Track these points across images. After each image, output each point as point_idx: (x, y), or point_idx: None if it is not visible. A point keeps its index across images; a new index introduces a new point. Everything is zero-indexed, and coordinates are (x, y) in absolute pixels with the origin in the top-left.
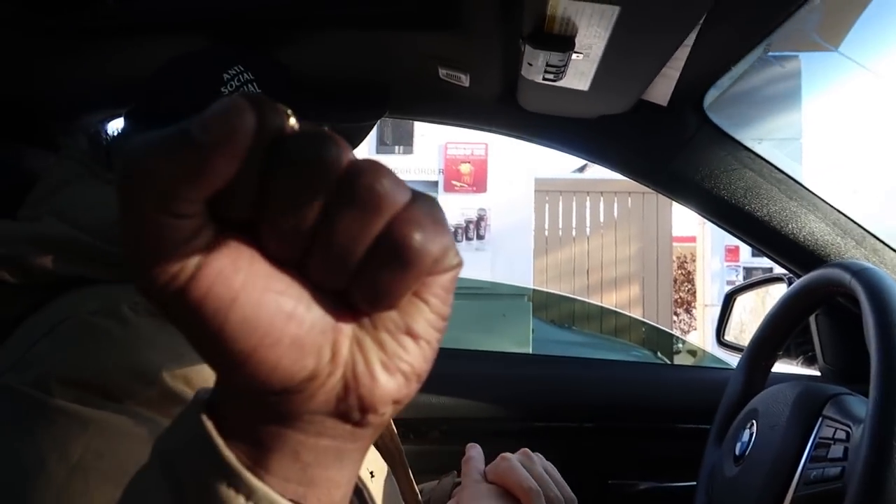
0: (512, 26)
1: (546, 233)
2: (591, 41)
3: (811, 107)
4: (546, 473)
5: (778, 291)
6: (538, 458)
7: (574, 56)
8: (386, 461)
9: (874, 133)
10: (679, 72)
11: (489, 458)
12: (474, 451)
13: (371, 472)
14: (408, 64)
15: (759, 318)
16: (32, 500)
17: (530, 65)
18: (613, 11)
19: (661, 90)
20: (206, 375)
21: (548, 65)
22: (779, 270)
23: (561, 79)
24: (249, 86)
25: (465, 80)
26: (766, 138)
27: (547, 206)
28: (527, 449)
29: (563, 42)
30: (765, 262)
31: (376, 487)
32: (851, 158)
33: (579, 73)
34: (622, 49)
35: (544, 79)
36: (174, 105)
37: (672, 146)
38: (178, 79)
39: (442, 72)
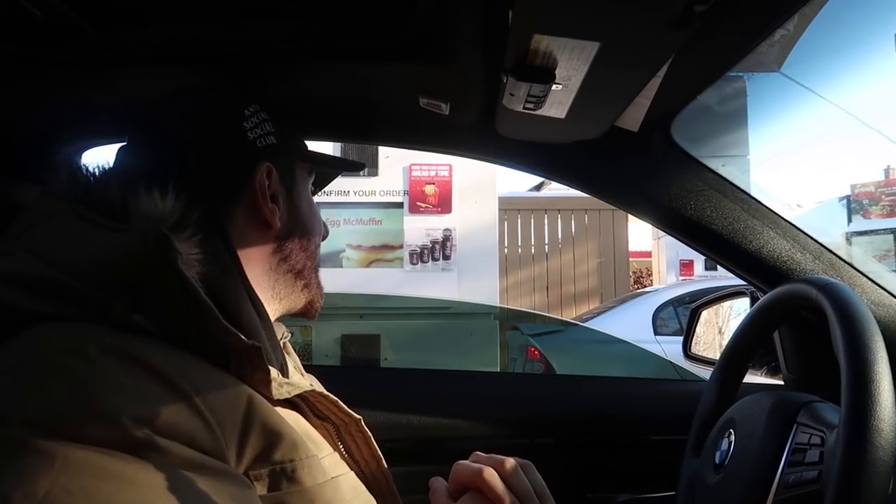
0: (493, 58)
1: (506, 251)
2: (571, 73)
3: (757, 125)
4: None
5: (740, 305)
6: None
7: (553, 87)
8: (372, 491)
9: (816, 150)
10: (650, 100)
11: None
12: (437, 484)
13: None
14: (389, 94)
15: (713, 328)
16: None
17: (512, 95)
18: (594, 47)
19: (633, 117)
20: (170, 419)
21: (529, 95)
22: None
23: (540, 108)
24: (265, 125)
25: (444, 109)
26: (716, 155)
27: (506, 223)
28: (510, 459)
29: (545, 74)
30: (717, 275)
31: None
32: (795, 174)
33: (557, 103)
34: (599, 80)
35: (524, 108)
36: (186, 137)
37: (642, 169)
38: (191, 110)
39: (422, 101)
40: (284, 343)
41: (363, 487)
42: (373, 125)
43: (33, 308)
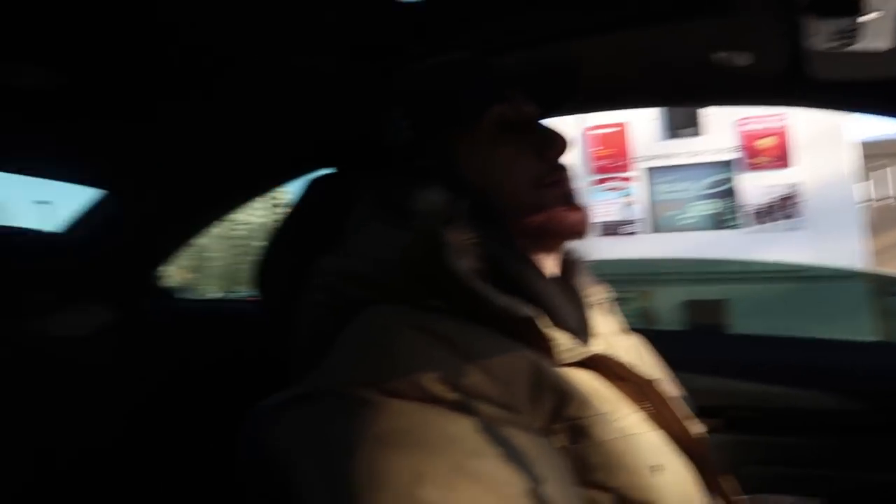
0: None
1: (874, 205)
2: None
3: None
4: None
5: None
6: None
7: (865, 18)
8: (683, 453)
9: None
10: None
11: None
12: None
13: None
14: (685, 53)
15: None
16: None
17: (815, 34)
18: None
19: None
20: (469, 381)
21: (835, 31)
22: None
23: (854, 43)
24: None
25: (745, 60)
26: None
27: (872, 174)
28: None
29: (849, 4)
30: None
31: (663, 482)
32: None
33: (877, 33)
34: None
35: (837, 46)
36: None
37: None
38: None
39: (720, 55)
40: (602, 303)
41: (668, 449)
42: (675, 87)
43: (366, 297)
